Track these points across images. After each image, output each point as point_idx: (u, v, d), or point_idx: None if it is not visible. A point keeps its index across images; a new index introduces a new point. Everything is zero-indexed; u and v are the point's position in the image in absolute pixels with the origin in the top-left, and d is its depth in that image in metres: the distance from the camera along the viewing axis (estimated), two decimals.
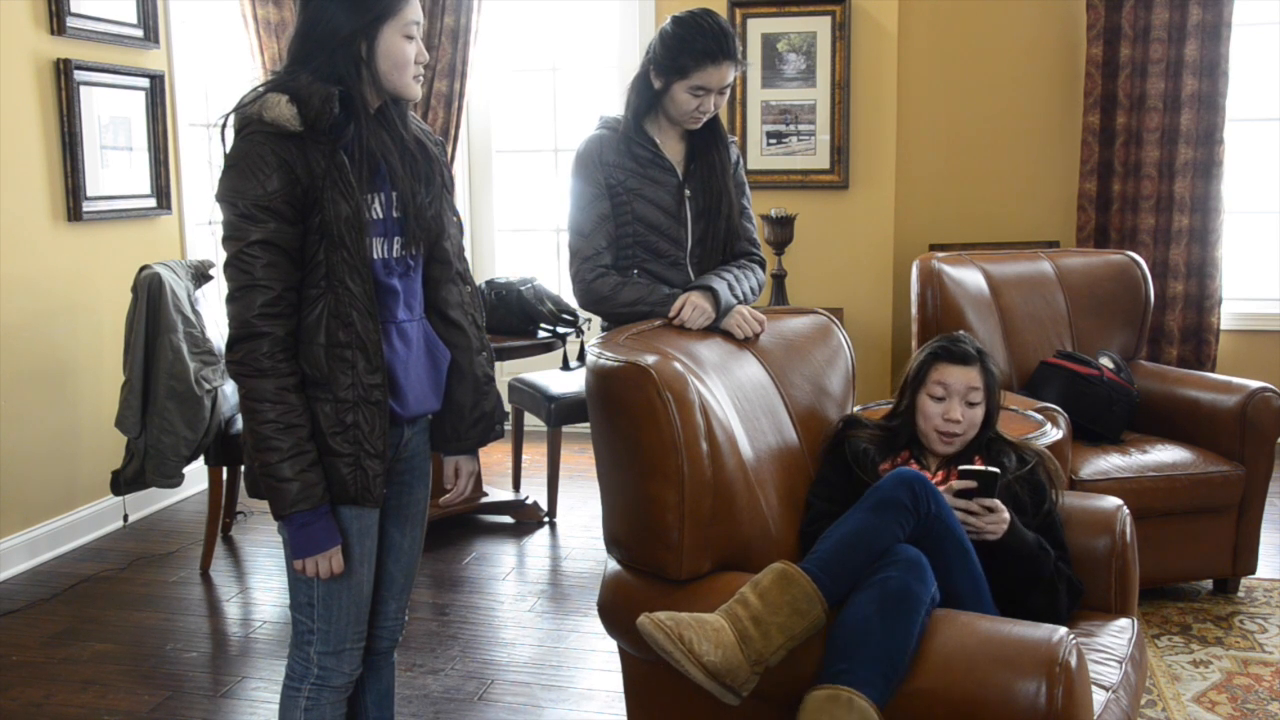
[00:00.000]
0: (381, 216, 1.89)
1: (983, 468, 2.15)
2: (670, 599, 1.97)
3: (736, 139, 3.63)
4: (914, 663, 1.77)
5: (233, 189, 1.76)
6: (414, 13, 1.86)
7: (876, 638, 1.76)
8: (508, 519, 4.39)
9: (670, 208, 2.61)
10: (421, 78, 1.91)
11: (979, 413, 2.34)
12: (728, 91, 2.56)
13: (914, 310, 3.75)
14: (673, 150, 2.64)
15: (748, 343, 2.46)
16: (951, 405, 2.32)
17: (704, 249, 2.64)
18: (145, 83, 4.35)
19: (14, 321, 3.85)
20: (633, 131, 2.60)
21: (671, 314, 2.42)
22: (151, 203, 4.44)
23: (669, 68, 2.51)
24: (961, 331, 2.43)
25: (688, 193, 2.63)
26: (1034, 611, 2.11)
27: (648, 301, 2.49)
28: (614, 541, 2.13)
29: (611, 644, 2.32)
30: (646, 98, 2.58)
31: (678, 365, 2.05)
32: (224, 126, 1.85)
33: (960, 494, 2.13)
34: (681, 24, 2.51)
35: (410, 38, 1.85)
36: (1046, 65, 5.06)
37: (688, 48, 2.48)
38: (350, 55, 1.81)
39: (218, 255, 4.50)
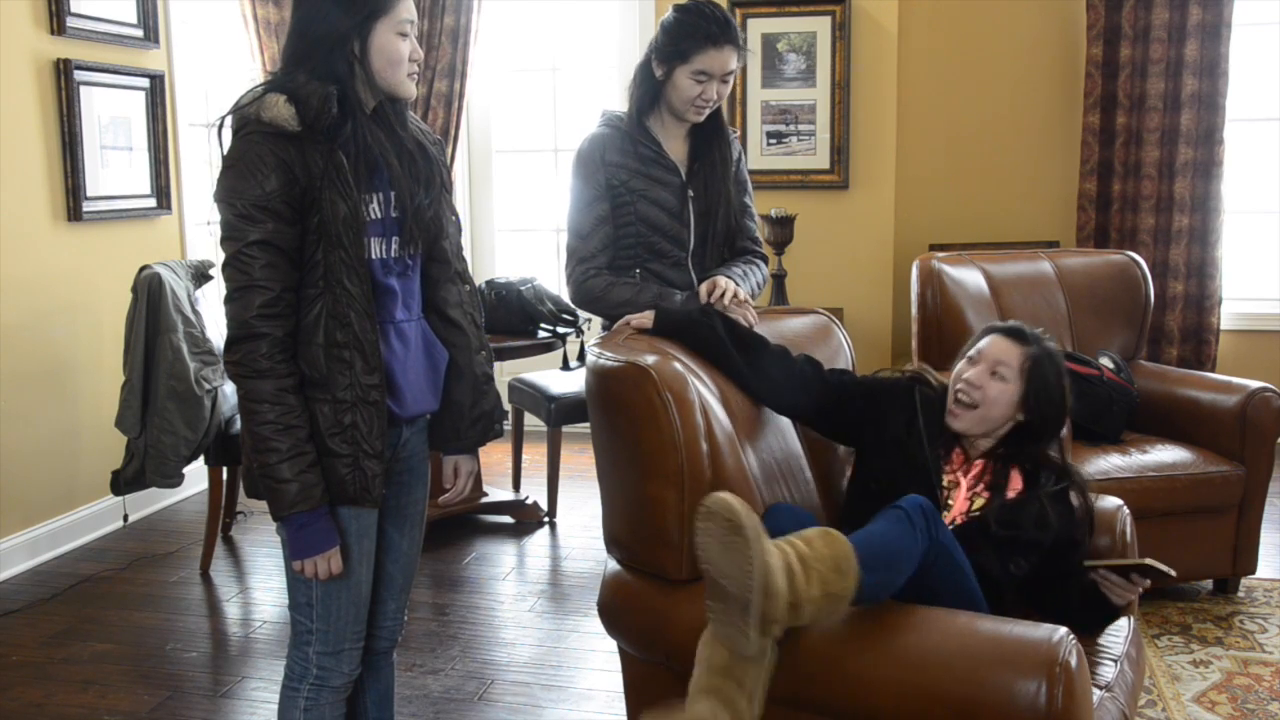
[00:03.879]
0: (379, 216, 1.89)
1: (1166, 569, 2.08)
2: (670, 599, 1.98)
3: (738, 133, 3.61)
4: (914, 661, 1.77)
5: (231, 189, 1.76)
6: (407, 11, 1.85)
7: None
8: (508, 519, 4.39)
9: (673, 208, 2.60)
10: (416, 76, 1.91)
11: (1003, 391, 2.19)
12: (730, 81, 2.54)
13: (914, 310, 3.74)
14: (676, 150, 2.63)
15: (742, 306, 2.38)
16: (978, 370, 2.21)
17: (706, 249, 2.64)
18: (145, 83, 4.35)
19: (14, 321, 3.85)
20: (635, 130, 2.59)
21: (714, 299, 2.35)
22: (151, 203, 4.44)
23: (671, 53, 2.50)
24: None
25: (691, 193, 2.62)
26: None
27: (639, 302, 2.49)
28: (614, 541, 2.13)
29: (611, 644, 2.32)
30: (648, 88, 2.58)
31: (678, 365, 2.05)
32: (221, 127, 1.85)
33: (1119, 571, 2.13)
34: (684, 10, 2.51)
35: (404, 35, 1.85)
36: (1046, 65, 5.06)
37: (690, 32, 2.48)
38: (344, 54, 1.81)
39: (217, 255, 4.48)
